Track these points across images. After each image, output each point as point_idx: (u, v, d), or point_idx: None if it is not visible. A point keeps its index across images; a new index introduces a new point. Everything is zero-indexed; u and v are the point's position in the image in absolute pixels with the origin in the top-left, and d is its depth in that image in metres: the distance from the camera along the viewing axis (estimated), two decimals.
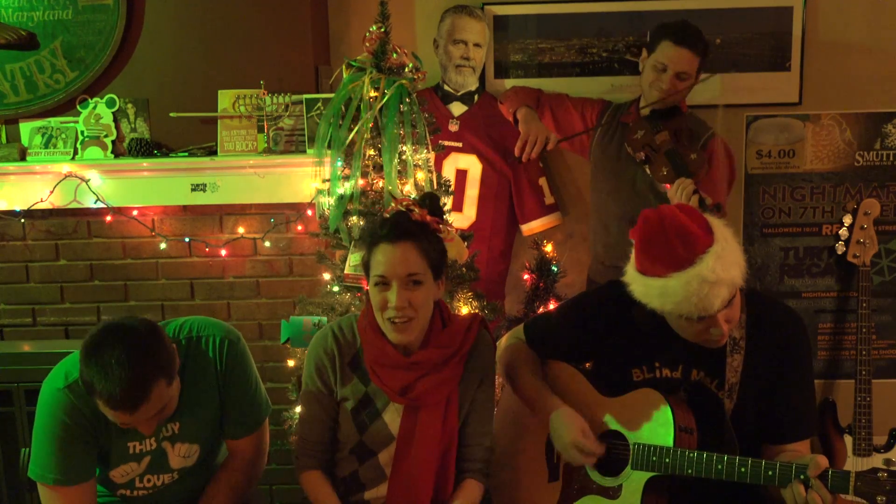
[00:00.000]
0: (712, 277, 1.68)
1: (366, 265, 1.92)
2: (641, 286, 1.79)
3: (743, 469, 1.73)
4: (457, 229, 2.73)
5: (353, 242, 2.52)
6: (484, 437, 2.04)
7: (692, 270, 1.69)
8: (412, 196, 1.97)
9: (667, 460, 1.82)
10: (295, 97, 2.92)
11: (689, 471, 1.78)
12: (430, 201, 2.01)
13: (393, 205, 1.99)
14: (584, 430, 1.92)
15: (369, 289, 1.92)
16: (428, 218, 1.95)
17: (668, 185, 2.59)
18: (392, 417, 1.97)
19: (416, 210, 1.95)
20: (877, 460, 3.01)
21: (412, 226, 1.91)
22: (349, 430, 1.99)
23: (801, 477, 1.65)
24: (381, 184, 2.57)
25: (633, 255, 1.83)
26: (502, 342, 2.21)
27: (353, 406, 1.98)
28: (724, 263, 1.70)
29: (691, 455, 1.79)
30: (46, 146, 2.99)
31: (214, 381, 1.99)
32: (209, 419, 2.01)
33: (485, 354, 2.03)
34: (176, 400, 1.87)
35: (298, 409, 2.23)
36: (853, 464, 3.02)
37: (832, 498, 1.62)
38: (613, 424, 1.95)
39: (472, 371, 2.00)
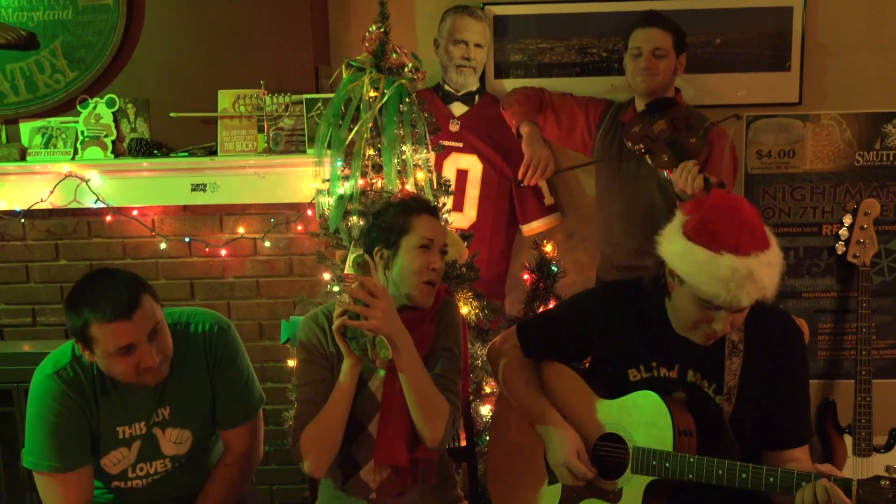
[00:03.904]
0: (758, 276, 1.71)
1: (397, 230, 1.99)
2: (681, 248, 1.77)
3: (744, 475, 1.73)
4: (457, 229, 2.74)
5: (352, 242, 2.52)
6: (448, 381, 2.01)
7: (747, 260, 1.71)
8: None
9: (667, 465, 1.82)
10: (295, 97, 2.92)
11: (690, 476, 1.79)
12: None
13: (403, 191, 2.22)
14: (580, 452, 1.94)
15: (406, 253, 1.97)
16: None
17: (669, 172, 2.58)
18: (377, 386, 2.00)
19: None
20: (877, 460, 3.01)
21: (435, 207, 2.15)
22: None
23: (804, 484, 1.65)
24: (380, 184, 2.57)
25: (678, 219, 1.82)
26: (495, 344, 2.20)
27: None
28: (771, 272, 1.74)
29: (691, 460, 1.79)
30: (46, 146, 2.99)
31: (204, 366, 2.01)
32: (200, 405, 2.03)
33: (451, 312, 2.12)
34: (170, 338, 1.90)
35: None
36: (853, 464, 3.02)
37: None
38: (612, 427, 1.95)
39: (441, 329, 2.08)
